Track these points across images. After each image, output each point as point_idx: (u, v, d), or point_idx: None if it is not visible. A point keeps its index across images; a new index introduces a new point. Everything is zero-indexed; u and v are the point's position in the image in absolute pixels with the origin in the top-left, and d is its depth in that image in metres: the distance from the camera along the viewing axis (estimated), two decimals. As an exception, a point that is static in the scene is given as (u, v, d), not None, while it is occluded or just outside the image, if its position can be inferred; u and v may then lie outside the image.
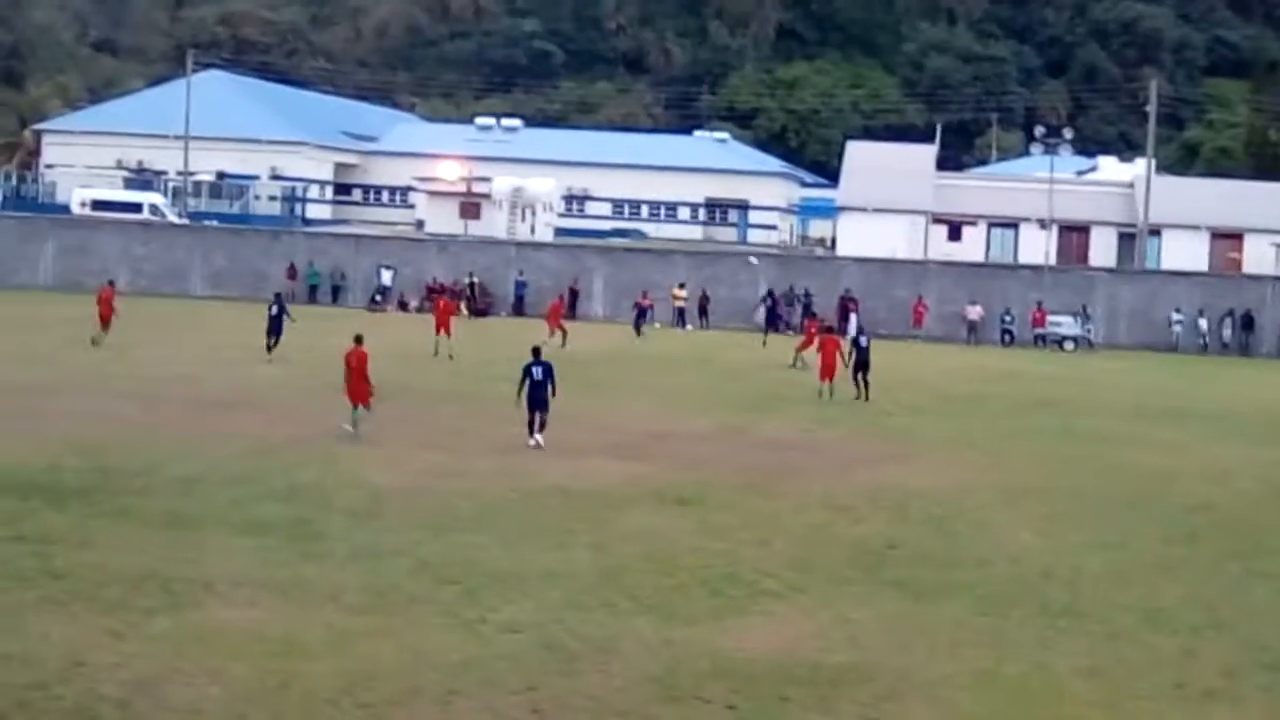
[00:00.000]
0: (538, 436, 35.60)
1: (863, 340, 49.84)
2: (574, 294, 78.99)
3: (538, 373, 36.05)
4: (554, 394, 36.19)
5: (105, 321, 54.02)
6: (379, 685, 17.87)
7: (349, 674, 18.17)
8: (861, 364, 48.68)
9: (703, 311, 78.00)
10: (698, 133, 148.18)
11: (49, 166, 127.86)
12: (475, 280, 79.44)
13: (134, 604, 20.71)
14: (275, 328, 51.78)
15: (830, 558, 25.46)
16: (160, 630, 19.63)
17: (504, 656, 19.18)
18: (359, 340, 37.06)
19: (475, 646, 19.58)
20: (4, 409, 37.33)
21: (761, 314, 76.69)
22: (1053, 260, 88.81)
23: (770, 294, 78.11)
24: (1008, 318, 77.48)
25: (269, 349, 51.03)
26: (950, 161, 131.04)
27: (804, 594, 23.01)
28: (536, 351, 37.35)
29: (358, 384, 36.24)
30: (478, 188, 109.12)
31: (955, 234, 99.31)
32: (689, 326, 76.88)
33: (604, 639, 20.08)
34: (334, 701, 17.28)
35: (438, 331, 55.99)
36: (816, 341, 50.40)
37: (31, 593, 20.99)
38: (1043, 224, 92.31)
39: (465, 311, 76.17)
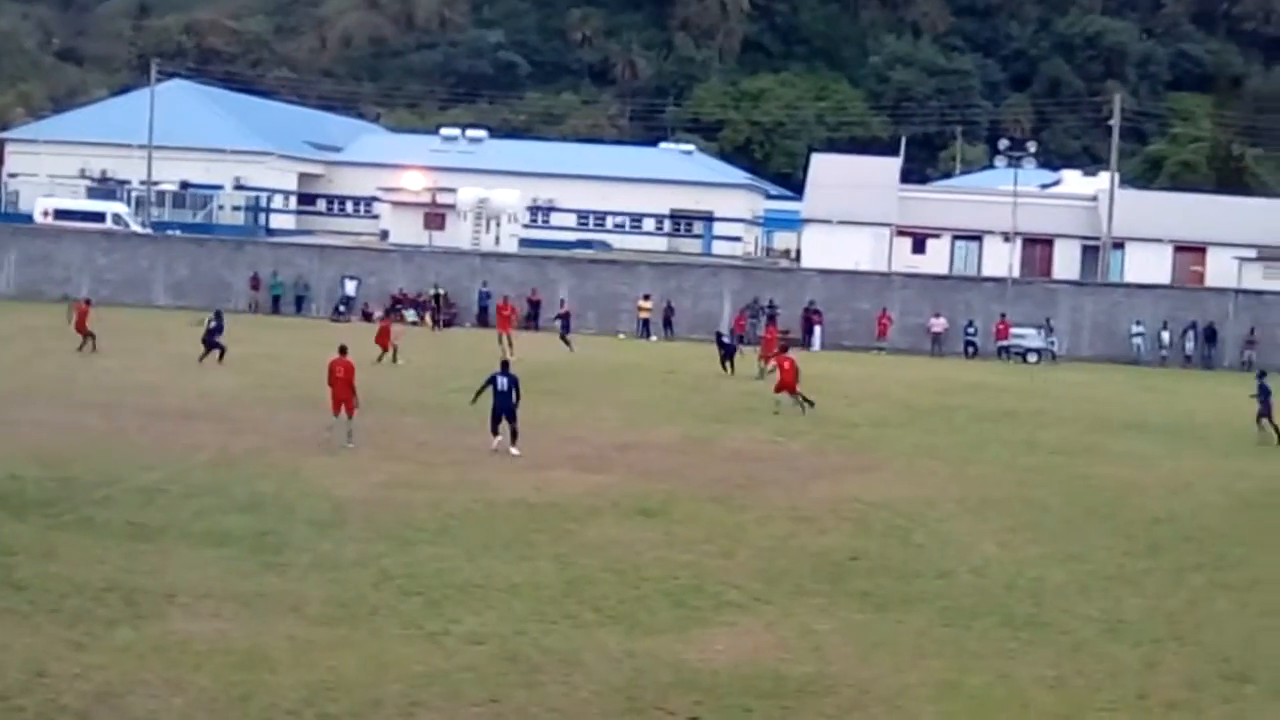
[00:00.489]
0: (512, 448, 35.90)
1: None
2: (535, 304, 78.96)
3: (503, 383, 36.32)
4: (517, 403, 36.42)
5: (83, 334, 54.21)
6: (341, 697, 17.83)
7: (311, 685, 18.13)
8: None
9: (667, 323, 78.05)
10: (663, 144, 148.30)
11: (11, 175, 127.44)
12: (440, 291, 79.35)
13: (96, 615, 20.62)
14: (211, 341, 52.99)
15: (794, 569, 25.47)
16: (122, 641, 19.55)
17: (467, 668, 19.15)
18: (344, 350, 37.43)
19: (438, 658, 19.54)
20: (-35, 419, 37.19)
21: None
22: (1016, 273, 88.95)
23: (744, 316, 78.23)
24: (971, 330, 77.65)
25: (201, 359, 51.94)
26: (914, 174, 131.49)
27: (768, 605, 23.02)
28: (505, 365, 37.71)
29: (344, 393, 36.43)
30: (442, 198, 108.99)
31: (919, 246, 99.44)
32: (653, 337, 76.91)
33: (567, 650, 20.07)
34: (296, 713, 17.24)
35: (384, 349, 56.08)
36: (773, 359, 50.12)
37: (-8, 604, 20.90)
38: (1006, 237, 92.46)
39: (430, 323, 76.14)
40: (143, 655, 19.00)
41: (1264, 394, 46.06)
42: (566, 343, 65.94)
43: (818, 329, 76.96)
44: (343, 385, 36.61)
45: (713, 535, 27.94)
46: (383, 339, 56.57)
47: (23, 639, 19.39)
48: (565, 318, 70.66)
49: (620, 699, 18.31)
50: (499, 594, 22.82)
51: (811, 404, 47.15)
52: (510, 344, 60.34)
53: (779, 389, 47.46)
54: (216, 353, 52.52)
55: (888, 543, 28.17)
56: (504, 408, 36.19)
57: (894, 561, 26.54)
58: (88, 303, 57.92)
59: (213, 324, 53.59)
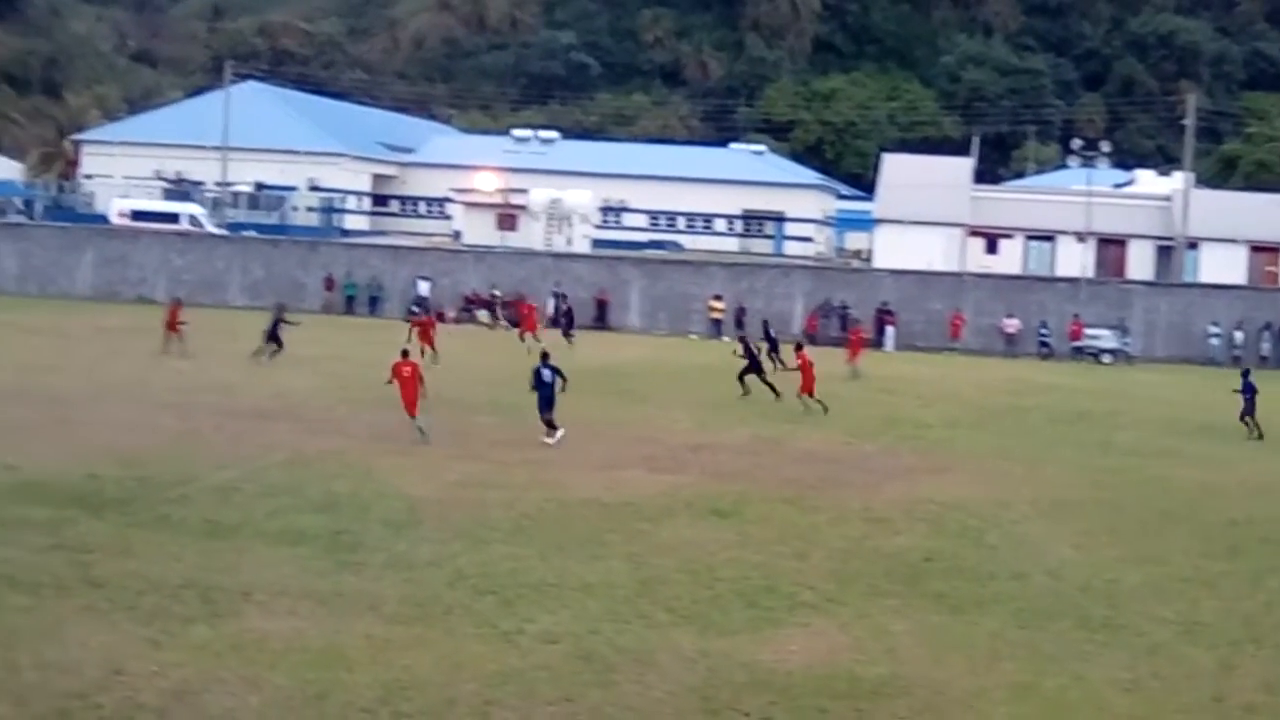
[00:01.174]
0: (547, 438, 37.24)
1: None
2: (602, 304, 79.09)
3: (547, 374, 37.95)
4: (563, 388, 38.26)
5: (174, 333, 54.69)
6: (416, 695, 17.90)
7: (387, 684, 18.21)
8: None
9: (739, 323, 77.97)
10: (734, 145, 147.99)
11: (88, 177, 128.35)
12: (496, 293, 79.60)
13: (173, 613, 20.77)
14: (274, 334, 53.51)
15: (868, 570, 25.43)
16: (199, 639, 19.69)
17: (541, 667, 19.20)
18: (406, 354, 39.32)
19: (513, 657, 19.60)
20: (43, 418, 37.51)
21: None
22: (1090, 273, 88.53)
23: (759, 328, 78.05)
24: (1045, 330, 77.25)
25: (261, 354, 52.58)
26: (987, 174, 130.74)
27: (841, 606, 22.99)
28: (545, 355, 39.29)
29: (412, 393, 37.39)
30: (514, 199, 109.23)
31: (992, 247, 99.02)
32: (725, 338, 76.85)
33: (641, 650, 20.09)
34: (372, 711, 17.32)
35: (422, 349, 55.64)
36: (796, 359, 48.54)
37: (71, 601, 21.06)
38: (1080, 237, 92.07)
39: (492, 323, 76.35)
40: (219, 653, 19.13)
41: (1249, 391, 46.07)
42: (569, 338, 65.50)
43: (890, 330, 76.77)
44: (410, 385, 37.35)
45: (786, 536, 27.91)
46: (425, 337, 56.27)
47: (100, 636, 19.54)
48: (568, 314, 70.57)
49: (694, 699, 18.32)
50: (573, 593, 22.86)
51: (778, 394, 47.81)
52: (536, 341, 60.38)
53: (803, 390, 46.89)
54: (273, 346, 52.80)
55: (962, 544, 28.07)
56: (545, 397, 37.75)
57: (968, 563, 26.45)
58: (178, 302, 58.31)
59: (279, 318, 53.79)
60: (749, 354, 51.14)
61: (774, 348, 57.50)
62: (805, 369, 46.91)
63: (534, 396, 37.83)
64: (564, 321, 69.44)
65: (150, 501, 28.14)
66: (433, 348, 55.65)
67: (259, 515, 27.42)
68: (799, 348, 50.76)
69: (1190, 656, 21.21)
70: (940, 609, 23.18)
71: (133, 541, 24.74)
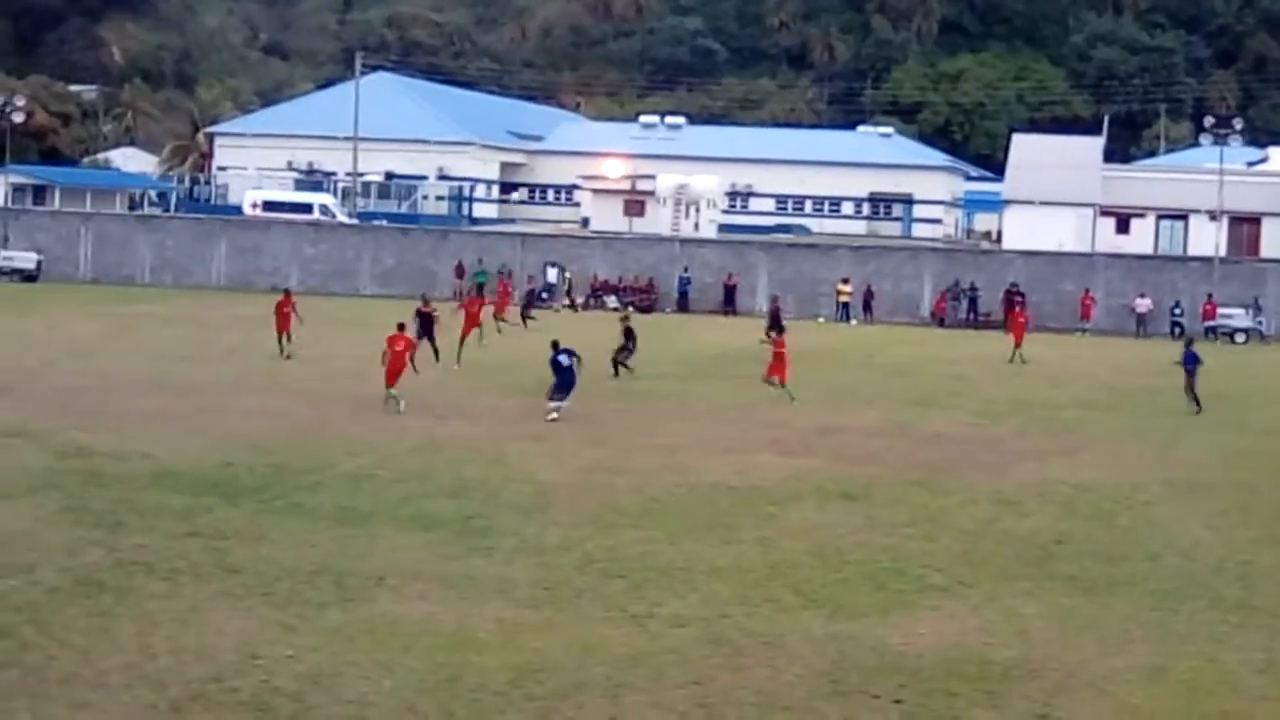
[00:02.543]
0: (559, 405, 38.08)
1: None
2: (730, 288, 79.13)
3: (565, 360, 38.55)
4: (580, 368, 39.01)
5: (284, 330, 53.04)
6: (547, 679, 18.02)
7: (518, 667, 18.34)
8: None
9: (867, 307, 77.75)
10: (861, 128, 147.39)
11: (221, 169, 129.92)
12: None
13: (307, 598, 21.02)
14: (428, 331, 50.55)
15: (998, 553, 25.30)
16: (333, 624, 19.92)
17: (671, 651, 19.26)
18: (402, 327, 40.86)
19: (642, 640, 19.69)
20: (180, 408, 38.07)
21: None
22: (1223, 252, 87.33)
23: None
24: (1177, 310, 76.44)
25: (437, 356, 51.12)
26: (1117, 153, 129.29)
27: (971, 589, 22.90)
28: (555, 344, 39.41)
29: (398, 366, 39.07)
30: (642, 185, 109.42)
31: (1123, 226, 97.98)
32: (853, 321, 76.66)
33: (770, 634, 20.11)
34: (503, 694, 17.45)
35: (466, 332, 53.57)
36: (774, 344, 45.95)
37: (207, 587, 21.36)
38: (1213, 215, 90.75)
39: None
40: (353, 637, 19.34)
41: (1190, 362, 44.41)
42: (525, 320, 63.54)
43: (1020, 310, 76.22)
44: (399, 359, 38.91)
45: (915, 519, 27.84)
46: (470, 323, 54.75)
47: (236, 622, 19.81)
48: (531, 294, 69.94)
49: (824, 682, 18.32)
50: (702, 577, 22.92)
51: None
52: (504, 322, 60.39)
53: (771, 373, 44.27)
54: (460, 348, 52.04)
55: (1093, 526, 27.86)
56: (567, 382, 38.19)
57: (1100, 545, 26.25)
58: (288, 294, 58.52)
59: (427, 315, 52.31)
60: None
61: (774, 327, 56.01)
62: (780, 354, 44.67)
63: (674, 386, 37.82)
64: (525, 300, 67.87)
65: (284, 488, 28.50)
66: (494, 318, 56.30)
67: (390, 501, 27.70)
68: (780, 331, 49.99)
69: (1327, 638, 20.96)
70: (1072, 591, 23.02)
71: (267, 528, 25.06)
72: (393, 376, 38.54)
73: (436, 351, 48.84)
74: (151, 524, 24.91)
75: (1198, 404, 44.08)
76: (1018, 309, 67.22)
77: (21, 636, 18.77)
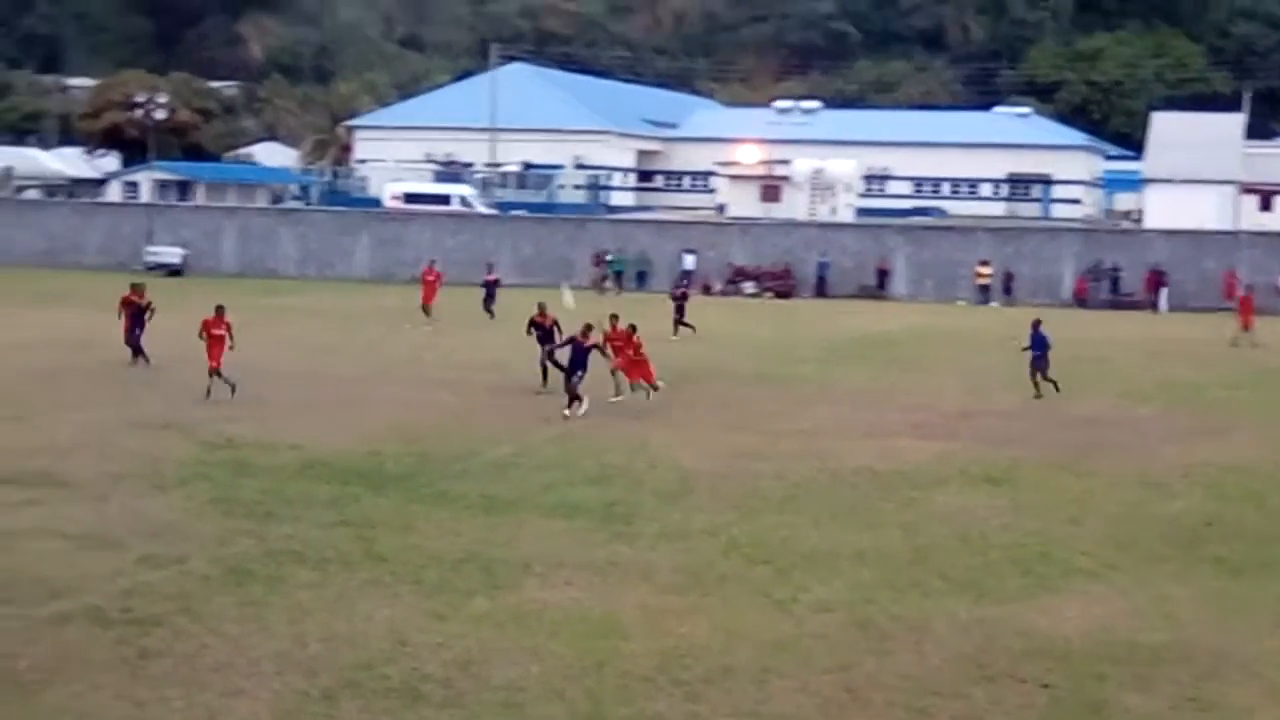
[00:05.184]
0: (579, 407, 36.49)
1: None
2: (883, 273, 78.76)
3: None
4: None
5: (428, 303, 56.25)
6: (694, 664, 18.11)
7: (664, 652, 18.45)
8: None
9: (1007, 288, 77.14)
10: (998, 108, 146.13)
11: (361, 161, 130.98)
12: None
13: (454, 585, 21.24)
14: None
15: (1145, 535, 25.10)
16: (480, 611, 20.12)
17: (817, 636, 19.31)
18: (220, 310, 39.39)
19: (788, 626, 19.73)
20: (327, 398, 38.55)
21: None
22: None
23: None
24: (1323, 287, 75.13)
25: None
26: (1259, 130, 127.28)
27: (1118, 572, 22.74)
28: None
29: (218, 348, 38.19)
30: (778, 170, 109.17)
31: (1266, 204, 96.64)
32: (993, 303, 76.09)
33: (916, 618, 20.10)
34: (650, 680, 17.56)
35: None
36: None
37: (356, 576, 21.64)
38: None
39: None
40: (500, 624, 19.53)
41: (1039, 345, 41.65)
42: (490, 313, 60.16)
43: (1164, 291, 75.30)
44: (217, 341, 38.18)
45: (1060, 502, 27.67)
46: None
47: (385, 609, 20.05)
48: (491, 285, 62.74)
49: (971, 666, 18.29)
50: (846, 562, 22.93)
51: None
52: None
53: (617, 369, 39.15)
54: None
55: (1243, 507, 27.54)
56: (579, 363, 36.90)
57: (1250, 526, 25.97)
58: (431, 262, 60.06)
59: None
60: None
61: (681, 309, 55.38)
62: (624, 352, 39.19)
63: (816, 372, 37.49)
64: (487, 291, 62.30)
65: (430, 477, 28.79)
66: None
67: (535, 489, 27.90)
68: (681, 297, 51.71)
69: None
70: (1221, 573, 22.81)
71: (414, 517, 25.34)
72: (214, 359, 37.98)
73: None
74: (300, 514, 25.28)
75: (1055, 386, 41.42)
76: (1243, 291, 64.69)
77: (175, 625, 19.11)
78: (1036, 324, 42.12)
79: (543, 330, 41.75)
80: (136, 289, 44.85)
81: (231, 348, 38.48)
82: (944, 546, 24.04)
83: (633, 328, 38.73)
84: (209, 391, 37.19)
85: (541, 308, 42.31)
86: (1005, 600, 21.11)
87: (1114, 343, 55.59)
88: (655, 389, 38.48)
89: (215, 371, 37.56)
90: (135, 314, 43.91)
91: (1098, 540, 24.62)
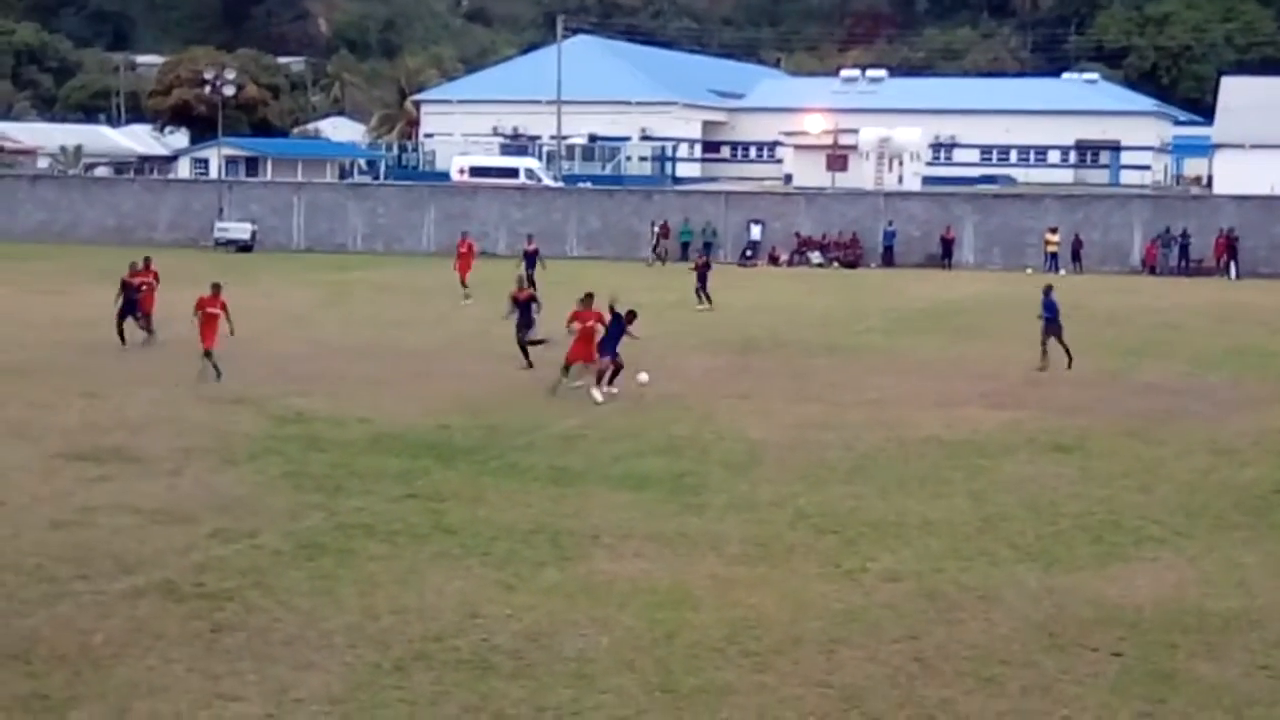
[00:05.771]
0: (595, 389, 34.59)
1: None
2: (948, 242, 78.43)
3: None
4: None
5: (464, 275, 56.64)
6: (763, 634, 18.14)
7: (733, 623, 18.48)
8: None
9: (1075, 256, 76.73)
10: (1065, 74, 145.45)
11: (428, 135, 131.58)
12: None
13: (523, 557, 21.31)
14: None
15: (1215, 503, 24.97)
16: (549, 582, 20.19)
17: (885, 605, 19.30)
18: (216, 288, 37.90)
19: (856, 595, 19.74)
20: (396, 372, 38.71)
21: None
22: None
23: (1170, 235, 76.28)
24: (1398, 252, 74.45)
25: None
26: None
27: (1189, 540, 22.64)
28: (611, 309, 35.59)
29: (211, 327, 36.77)
30: (844, 140, 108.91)
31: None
32: (1062, 270, 75.70)
33: (985, 587, 20.07)
34: (720, 650, 17.59)
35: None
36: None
37: (426, 548, 21.74)
38: None
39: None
40: (570, 595, 19.60)
41: (1050, 311, 40.46)
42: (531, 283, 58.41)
43: (1234, 257, 74.76)
44: (211, 321, 36.83)
45: (1130, 470, 27.55)
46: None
47: (455, 581, 20.15)
48: (531, 255, 58.62)
49: (1041, 635, 18.25)
50: (914, 531, 22.91)
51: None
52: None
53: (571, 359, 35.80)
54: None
55: (1315, 474, 27.39)
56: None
57: (1322, 493, 25.82)
58: (464, 235, 60.63)
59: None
60: None
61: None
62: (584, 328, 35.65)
63: (889, 341, 37.43)
64: (527, 261, 58.36)
65: (499, 450, 28.88)
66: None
67: (603, 460, 27.98)
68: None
69: None
70: (1292, 540, 22.71)
71: (483, 489, 25.42)
72: (207, 341, 36.52)
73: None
74: (370, 487, 25.40)
75: (1069, 358, 40.26)
76: None
77: (247, 600, 19.25)
78: (1048, 290, 41.20)
79: (522, 307, 40.50)
80: (137, 269, 44.27)
81: (231, 332, 37.28)
82: (1013, 515, 23.98)
83: (632, 314, 35.64)
84: (202, 373, 36.25)
85: (520, 282, 41.81)
86: (1075, 569, 21.05)
87: (1183, 309, 55.31)
88: (588, 381, 35.13)
89: (207, 354, 36.37)
90: (130, 296, 43.23)
91: (1168, 508, 24.51)
